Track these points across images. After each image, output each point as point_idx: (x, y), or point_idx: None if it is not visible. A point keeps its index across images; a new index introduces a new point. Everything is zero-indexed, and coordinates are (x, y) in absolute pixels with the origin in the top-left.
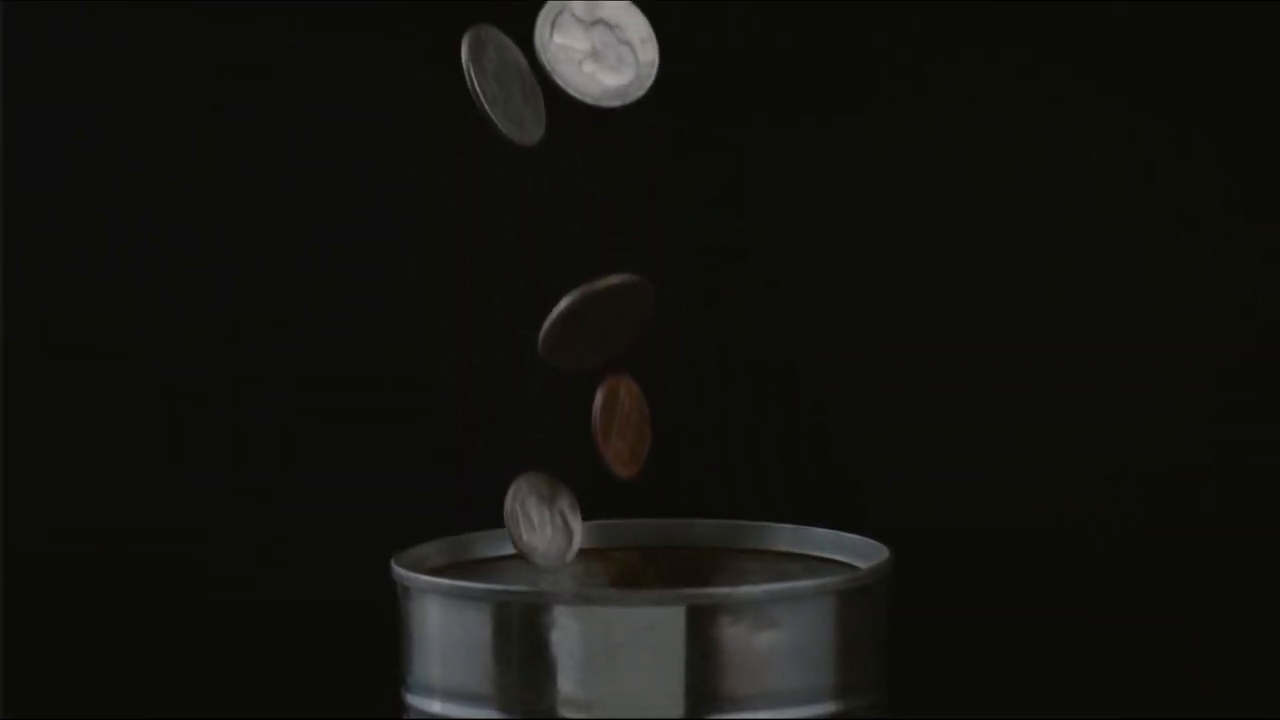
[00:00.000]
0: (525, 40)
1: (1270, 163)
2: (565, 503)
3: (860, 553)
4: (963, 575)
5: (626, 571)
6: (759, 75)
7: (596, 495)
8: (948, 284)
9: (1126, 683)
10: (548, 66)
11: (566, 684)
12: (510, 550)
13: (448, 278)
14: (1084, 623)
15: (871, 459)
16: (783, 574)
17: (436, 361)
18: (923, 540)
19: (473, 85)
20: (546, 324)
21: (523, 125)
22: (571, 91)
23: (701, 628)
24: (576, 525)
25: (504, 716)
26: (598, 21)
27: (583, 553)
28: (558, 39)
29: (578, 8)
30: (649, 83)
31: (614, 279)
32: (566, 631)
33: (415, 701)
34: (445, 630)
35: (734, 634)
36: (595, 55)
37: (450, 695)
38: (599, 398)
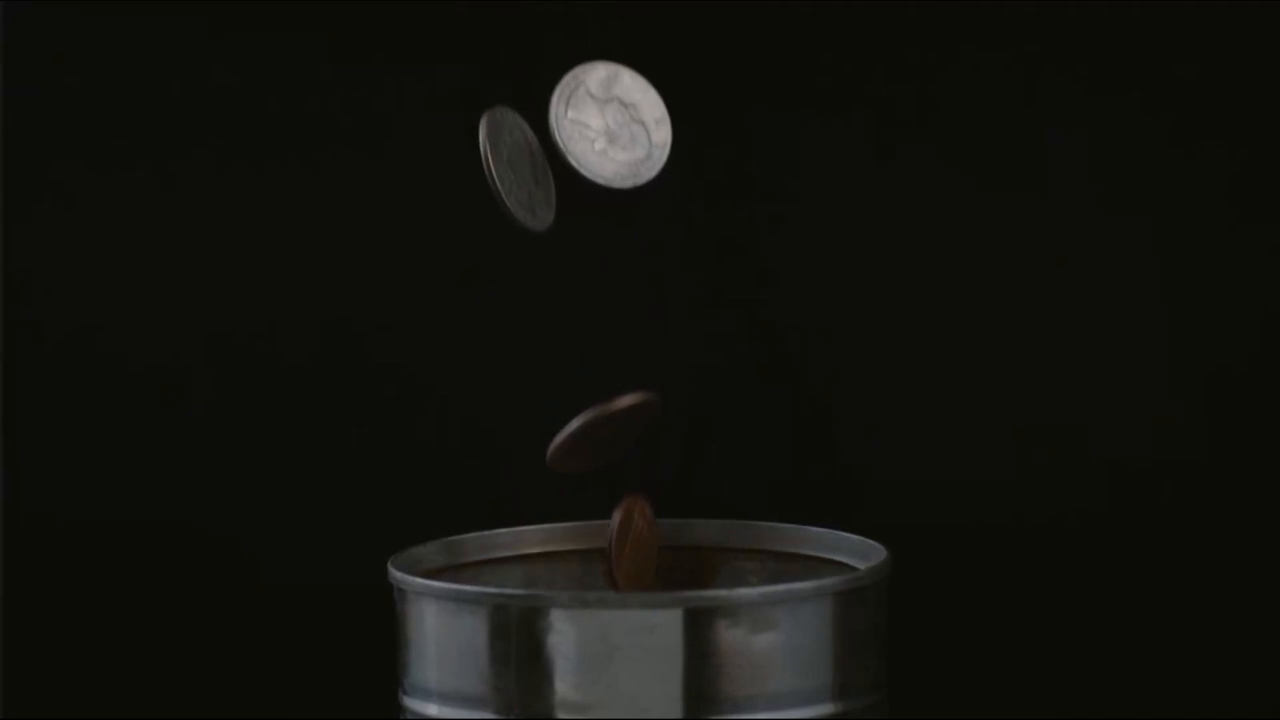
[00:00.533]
0: (537, 105)
1: (1268, 159)
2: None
3: (858, 552)
4: (961, 575)
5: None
6: (760, 73)
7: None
8: (946, 282)
9: (1126, 682)
10: (561, 144)
11: (564, 686)
12: (507, 553)
13: (446, 278)
14: (1084, 622)
15: (870, 458)
16: (781, 574)
17: (435, 362)
18: (921, 539)
19: (490, 173)
20: (557, 440)
21: (534, 211)
22: (583, 171)
23: (699, 630)
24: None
25: (501, 719)
26: (613, 99)
27: (581, 554)
28: (572, 115)
29: (593, 83)
30: (660, 165)
31: (627, 400)
32: (564, 634)
33: (412, 704)
34: (442, 633)
35: (732, 636)
36: (609, 134)
37: (447, 698)
38: (616, 519)
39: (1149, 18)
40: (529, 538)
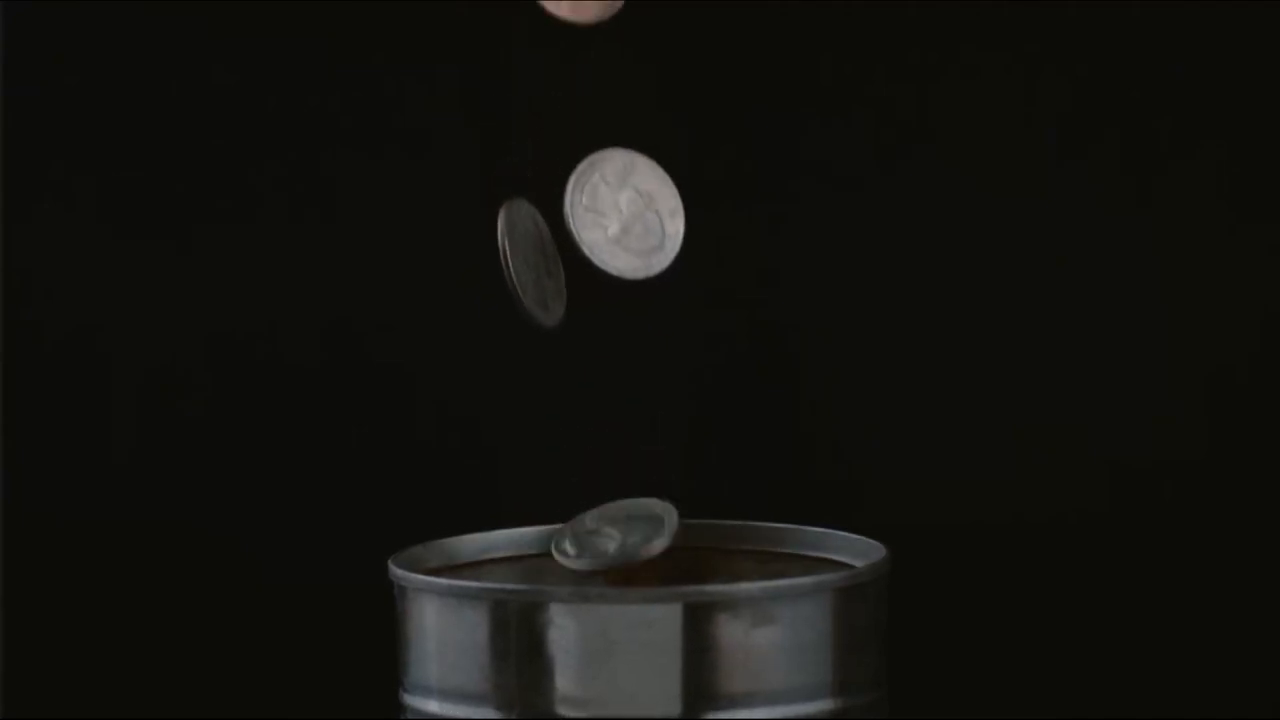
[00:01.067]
0: (548, 186)
1: (1268, 159)
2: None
3: (858, 552)
4: (961, 574)
5: (625, 572)
6: (760, 73)
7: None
8: (946, 282)
9: (1126, 682)
10: (574, 232)
11: (564, 682)
12: (507, 553)
13: (446, 278)
14: (1084, 621)
15: (870, 458)
16: (780, 573)
17: (435, 363)
18: (921, 539)
19: (507, 270)
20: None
21: (547, 306)
22: (595, 261)
23: (699, 625)
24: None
25: (501, 716)
26: (628, 188)
27: None
28: (586, 202)
29: (609, 171)
30: (672, 257)
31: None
32: (563, 630)
33: (413, 701)
34: (442, 630)
35: (732, 631)
36: (623, 225)
37: (447, 695)
38: None
39: (1148, 17)
40: (529, 538)
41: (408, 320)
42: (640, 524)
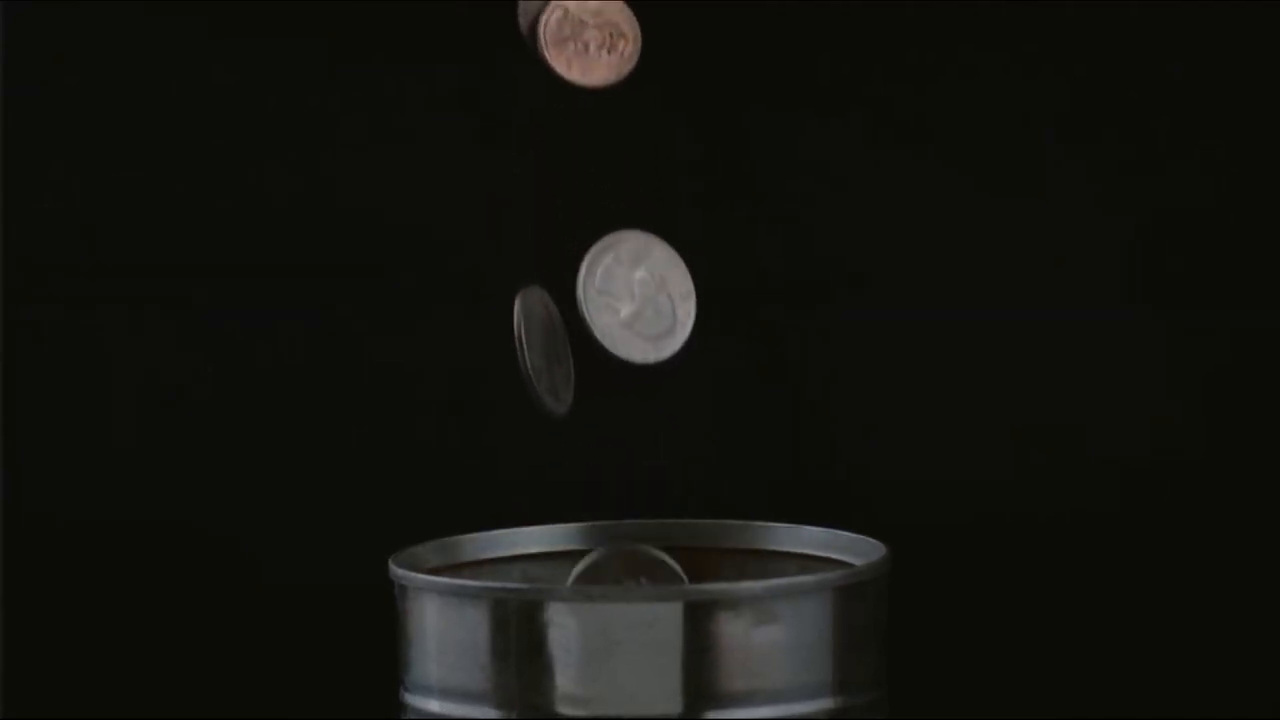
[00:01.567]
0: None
1: (1266, 158)
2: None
3: (858, 551)
4: (961, 573)
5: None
6: (758, 73)
7: (594, 496)
8: (946, 282)
9: (1126, 682)
10: (586, 315)
11: (565, 681)
12: (507, 552)
13: (446, 277)
14: (1084, 621)
15: (869, 457)
16: (780, 573)
17: (435, 363)
18: (921, 538)
19: (523, 361)
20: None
21: (558, 395)
22: (606, 344)
23: (700, 624)
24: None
25: (502, 715)
26: (641, 269)
27: (580, 554)
28: (599, 285)
29: (624, 253)
30: (682, 342)
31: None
32: (564, 629)
33: (413, 701)
34: (443, 629)
35: (732, 630)
36: (635, 308)
37: (448, 694)
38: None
39: (1147, 17)
40: (529, 538)
41: (408, 320)
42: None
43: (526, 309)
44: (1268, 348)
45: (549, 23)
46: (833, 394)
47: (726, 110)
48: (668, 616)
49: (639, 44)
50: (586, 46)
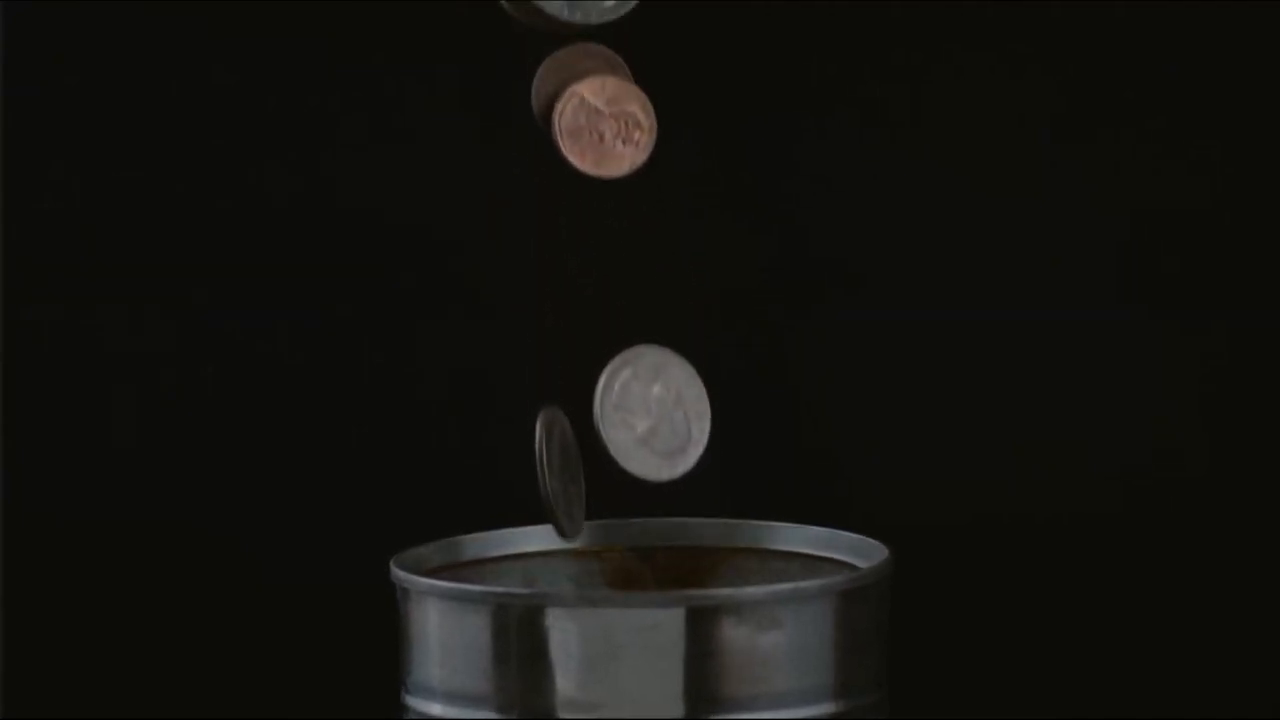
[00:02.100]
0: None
1: (1263, 159)
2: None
3: (859, 551)
4: (961, 574)
5: (624, 571)
6: (755, 74)
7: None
8: (945, 282)
9: (1126, 682)
10: (602, 432)
11: (566, 685)
12: (507, 552)
13: (446, 277)
14: (1083, 621)
15: (870, 457)
16: (781, 573)
17: (435, 363)
18: (921, 539)
19: (543, 482)
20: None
21: (571, 516)
22: (620, 460)
23: (702, 628)
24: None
25: (503, 718)
26: (658, 384)
27: (580, 553)
28: (616, 401)
29: (642, 368)
30: (694, 461)
31: None
32: (566, 633)
33: (415, 703)
34: (445, 632)
35: (734, 635)
36: (651, 424)
37: (450, 697)
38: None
39: (1141, 17)
40: (529, 538)
41: (408, 320)
42: None
43: (547, 430)
44: (1264, 347)
45: (564, 111)
46: (832, 394)
47: (723, 113)
48: (670, 621)
49: (654, 132)
50: (601, 136)
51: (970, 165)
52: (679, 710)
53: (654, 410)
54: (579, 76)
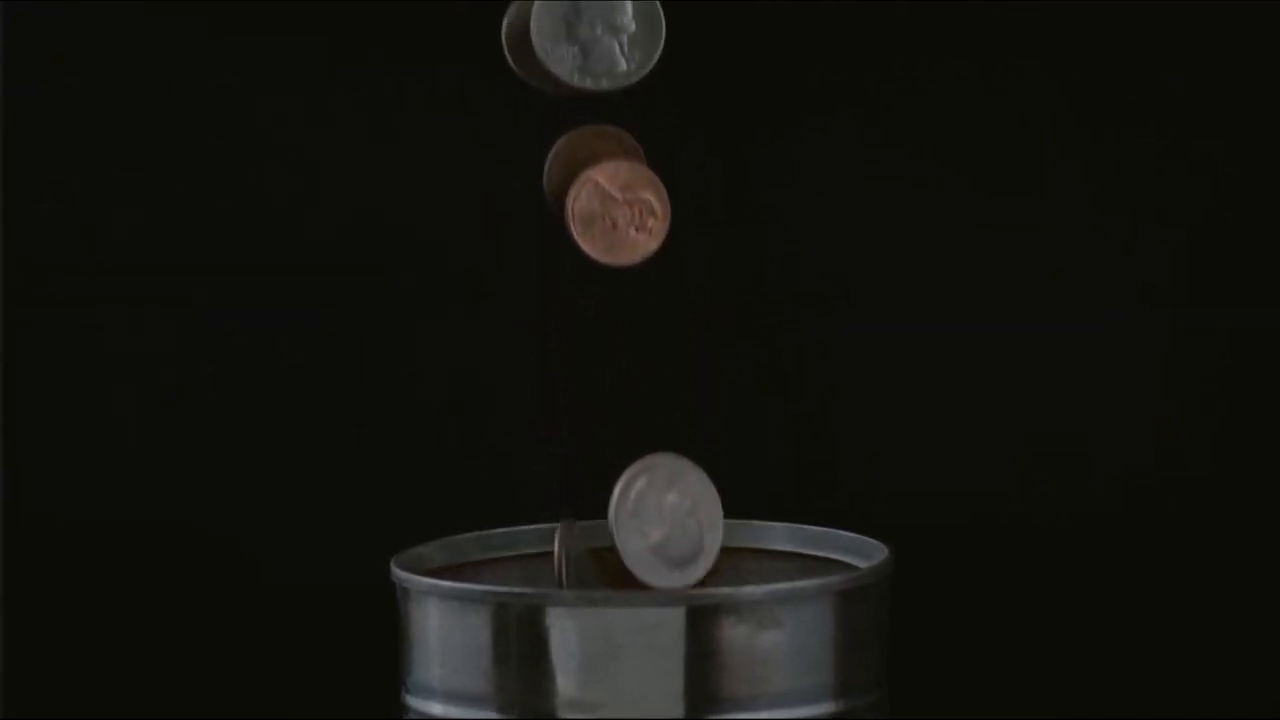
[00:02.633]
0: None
1: (1265, 163)
2: None
3: (859, 551)
4: (961, 574)
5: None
6: (758, 76)
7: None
8: (945, 284)
9: (1126, 682)
10: (616, 540)
11: (567, 685)
12: (507, 552)
13: (446, 277)
14: (1084, 621)
15: (870, 457)
16: (780, 573)
17: (435, 362)
18: (921, 539)
19: (560, 579)
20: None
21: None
22: (633, 569)
23: (702, 628)
24: None
25: (504, 718)
26: (673, 492)
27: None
28: (631, 509)
29: (658, 476)
30: (704, 571)
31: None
32: (567, 633)
33: (415, 703)
34: (445, 632)
35: (735, 634)
36: (665, 533)
37: (450, 697)
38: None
39: (1142, 22)
40: (529, 538)
41: (408, 320)
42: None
43: (566, 544)
44: (1267, 349)
45: (578, 197)
46: (834, 395)
47: (726, 113)
48: (670, 620)
49: (668, 219)
50: (615, 223)
51: (970, 167)
52: (679, 710)
53: (668, 518)
54: (593, 160)
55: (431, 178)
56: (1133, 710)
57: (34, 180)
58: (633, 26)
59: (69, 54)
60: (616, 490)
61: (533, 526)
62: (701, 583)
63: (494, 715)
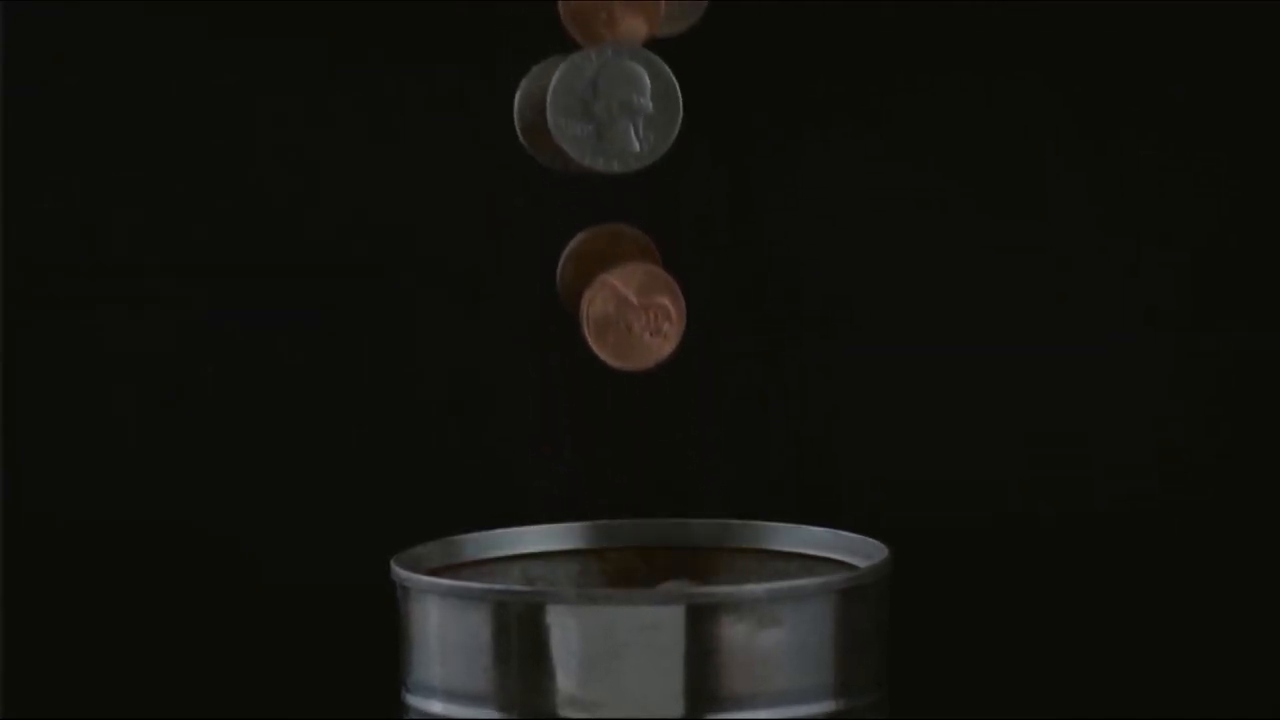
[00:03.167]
0: None
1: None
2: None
3: (859, 551)
4: (961, 574)
5: (624, 571)
6: (760, 84)
7: (594, 495)
8: (946, 285)
9: (1126, 682)
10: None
11: (567, 684)
12: (507, 552)
13: (447, 277)
14: (1084, 621)
15: (869, 457)
16: (780, 573)
17: (435, 362)
18: (921, 539)
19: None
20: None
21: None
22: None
23: (703, 627)
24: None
25: (504, 717)
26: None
27: (580, 553)
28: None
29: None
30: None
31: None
32: (567, 631)
33: (415, 702)
34: (445, 631)
35: (735, 633)
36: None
37: (450, 696)
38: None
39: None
40: (529, 537)
41: (408, 320)
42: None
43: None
44: (1271, 370)
45: (594, 300)
46: (834, 395)
47: (728, 116)
48: (671, 619)
49: (684, 323)
50: (630, 328)
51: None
52: (679, 709)
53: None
54: (609, 262)
55: (431, 178)
56: (1133, 710)
57: (34, 180)
58: (650, 108)
59: (69, 54)
60: None
61: (532, 527)
62: (701, 580)
63: (494, 714)
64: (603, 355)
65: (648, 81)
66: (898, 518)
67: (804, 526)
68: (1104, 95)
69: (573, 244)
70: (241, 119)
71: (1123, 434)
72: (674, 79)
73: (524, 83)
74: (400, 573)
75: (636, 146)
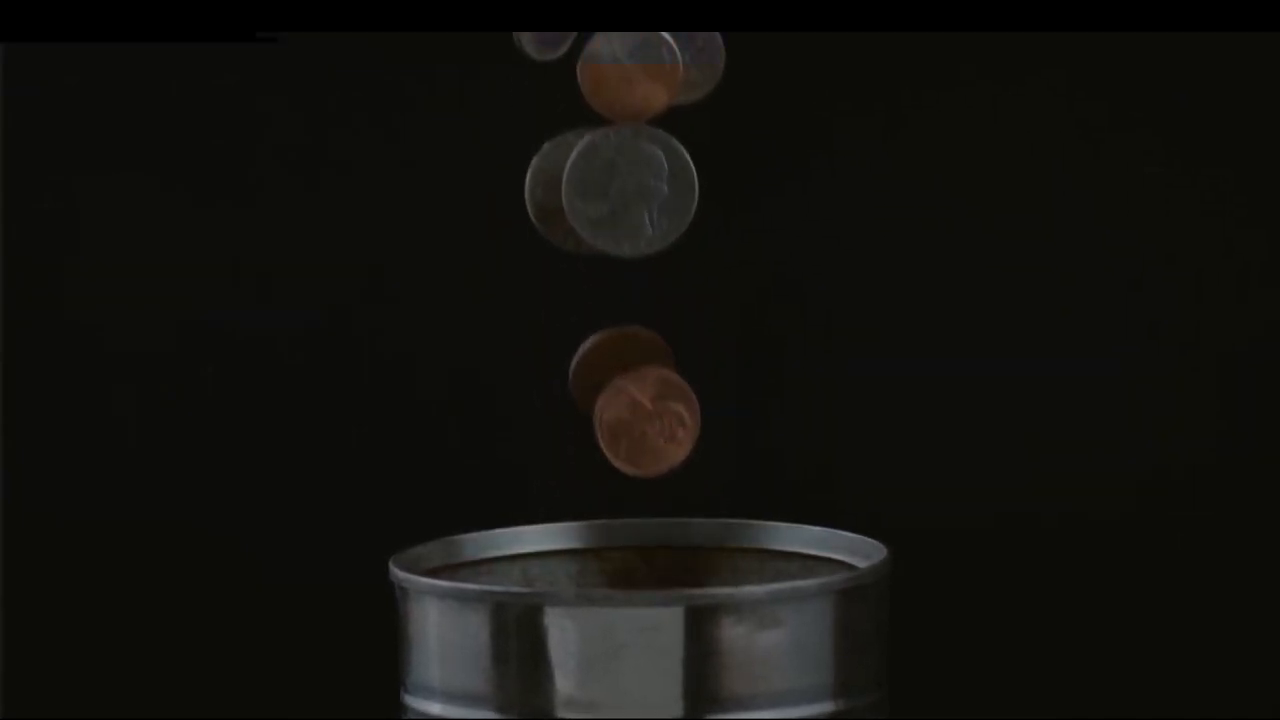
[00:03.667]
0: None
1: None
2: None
3: (858, 551)
4: (961, 574)
5: (623, 571)
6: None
7: (594, 495)
8: (947, 285)
9: (1126, 682)
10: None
11: (566, 685)
12: (507, 552)
13: (448, 277)
14: (1084, 621)
15: (869, 457)
16: (780, 573)
17: (436, 362)
18: (921, 539)
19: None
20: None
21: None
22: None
23: (702, 628)
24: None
25: (503, 718)
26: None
27: (579, 553)
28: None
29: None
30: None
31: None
32: (566, 632)
33: (414, 703)
34: (444, 632)
35: (734, 634)
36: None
37: (449, 697)
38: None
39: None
40: (528, 537)
41: (408, 320)
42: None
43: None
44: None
45: (609, 406)
46: (834, 395)
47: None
48: (670, 620)
49: (698, 429)
50: (644, 434)
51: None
52: (679, 710)
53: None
54: (624, 367)
55: (431, 178)
56: (1133, 710)
57: (34, 180)
58: (666, 191)
59: (69, 54)
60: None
61: (532, 527)
62: (701, 580)
63: (493, 715)
64: (615, 461)
65: (665, 165)
66: (898, 518)
67: (803, 526)
68: (1108, 113)
69: (585, 345)
70: (241, 119)
71: (1124, 441)
72: (691, 163)
73: (535, 161)
74: (399, 573)
75: (650, 230)
